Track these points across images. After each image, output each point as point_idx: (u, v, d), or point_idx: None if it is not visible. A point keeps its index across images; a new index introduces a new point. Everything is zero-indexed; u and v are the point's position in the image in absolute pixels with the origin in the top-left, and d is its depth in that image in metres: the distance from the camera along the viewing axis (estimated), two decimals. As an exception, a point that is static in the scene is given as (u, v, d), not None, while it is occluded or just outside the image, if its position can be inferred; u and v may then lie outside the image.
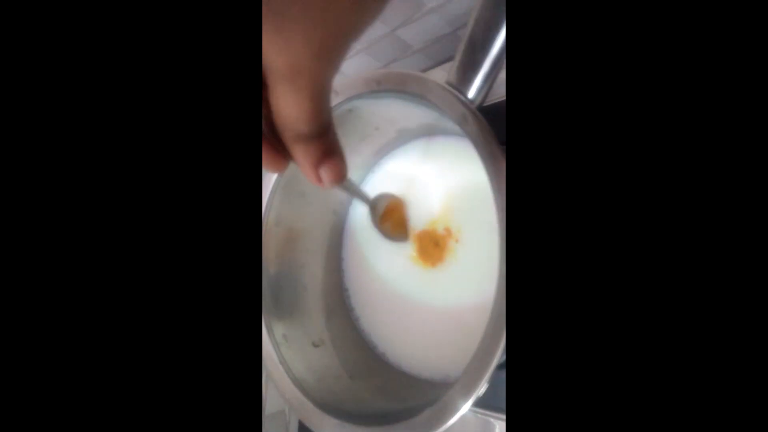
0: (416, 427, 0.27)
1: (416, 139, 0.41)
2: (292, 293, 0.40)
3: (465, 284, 0.36)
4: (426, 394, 0.35)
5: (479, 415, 0.30)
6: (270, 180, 0.38)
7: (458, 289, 0.37)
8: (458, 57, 0.28)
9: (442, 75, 0.29)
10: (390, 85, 0.31)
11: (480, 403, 0.26)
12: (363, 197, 0.35)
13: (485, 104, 0.29)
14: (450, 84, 0.28)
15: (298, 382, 0.34)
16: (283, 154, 0.21)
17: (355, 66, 0.51)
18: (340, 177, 0.22)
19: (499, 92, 0.37)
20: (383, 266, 0.41)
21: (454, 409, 0.26)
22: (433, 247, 0.38)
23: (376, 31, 0.47)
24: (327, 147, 0.20)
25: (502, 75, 0.28)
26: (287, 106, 0.18)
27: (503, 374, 0.25)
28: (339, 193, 0.43)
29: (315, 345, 0.39)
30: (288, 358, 0.35)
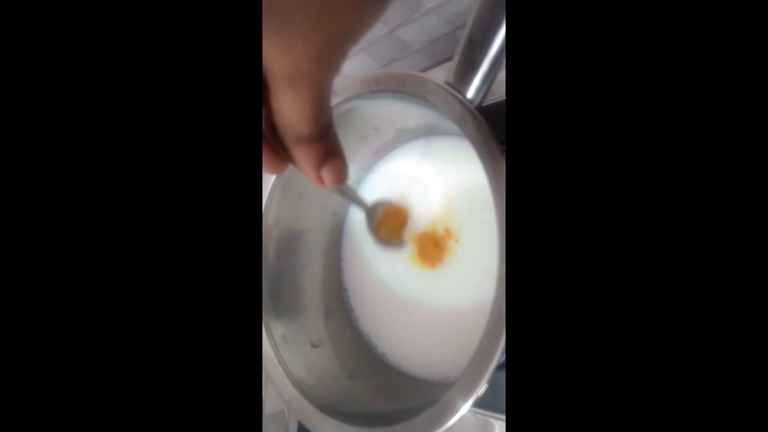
0: (416, 428, 0.27)
1: (415, 140, 0.41)
2: (291, 293, 0.40)
3: (464, 284, 0.36)
4: (425, 394, 0.35)
5: (479, 416, 0.30)
6: (269, 180, 0.38)
7: (458, 289, 0.37)
8: (457, 57, 0.28)
9: (441, 75, 0.29)
10: (389, 85, 0.31)
11: (479, 404, 0.26)
12: (360, 203, 0.35)
13: (484, 104, 0.28)
14: (449, 84, 0.28)
15: (297, 383, 0.34)
16: (283, 155, 0.21)
17: (354, 66, 0.51)
18: (341, 178, 0.22)
19: (498, 92, 0.37)
20: (383, 266, 0.41)
21: (453, 410, 0.26)
22: (433, 248, 0.38)
23: (375, 31, 0.46)
24: (328, 148, 0.20)
25: (501, 75, 0.28)
26: (288, 108, 0.18)
27: (503, 374, 0.25)
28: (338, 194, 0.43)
29: (314, 345, 0.39)
30: (287, 359, 0.35)
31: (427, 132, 0.40)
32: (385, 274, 0.41)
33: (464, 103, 0.28)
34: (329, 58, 0.17)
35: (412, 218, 0.40)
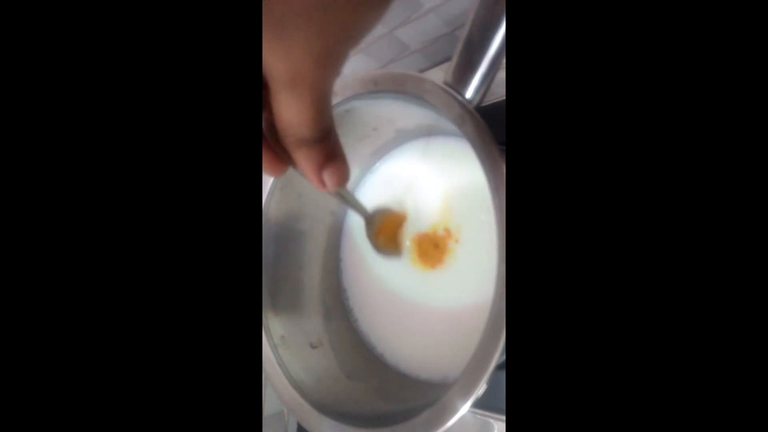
0: (415, 429, 0.27)
1: (415, 140, 0.41)
2: (290, 294, 0.40)
3: (464, 285, 0.36)
4: (425, 395, 0.35)
5: (478, 416, 0.30)
6: (268, 181, 0.38)
7: (457, 289, 0.37)
8: (456, 57, 0.28)
9: (440, 75, 0.29)
10: (387, 85, 0.31)
11: (479, 404, 0.26)
12: (360, 210, 0.35)
13: (483, 105, 0.28)
14: (447, 84, 0.28)
15: (296, 384, 0.34)
16: (283, 158, 0.21)
17: (352, 66, 0.51)
18: (343, 180, 0.22)
19: (497, 92, 0.37)
20: (382, 267, 0.41)
21: (453, 410, 0.26)
22: (433, 249, 0.38)
23: (373, 31, 0.46)
24: (329, 151, 0.20)
25: (500, 75, 0.28)
26: (289, 111, 0.18)
27: (502, 375, 0.25)
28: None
29: (313, 346, 0.39)
30: (286, 360, 0.35)
31: (427, 132, 0.40)
32: (384, 275, 0.41)
33: (463, 104, 0.28)
34: (329, 61, 0.17)
35: (410, 223, 0.40)
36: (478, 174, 0.27)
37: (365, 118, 0.36)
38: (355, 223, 0.44)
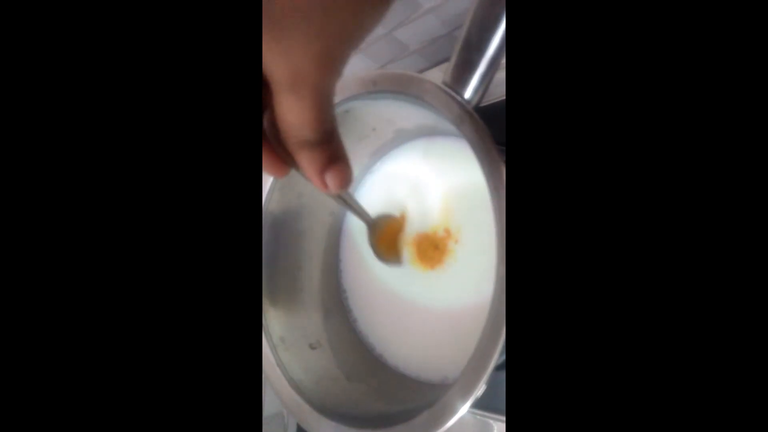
0: (415, 429, 0.27)
1: (414, 140, 0.41)
2: (290, 295, 0.40)
3: (463, 285, 0.36)
4: (424, 395, 0.35)
5: (477, 417, 0.30)
6: (267, 181, 0.37)
7: (456, 290, 0.37)
8: (454, 57, 0.28)
9: (439, 76, 0.29)
10: (386, 85, 0.31)
11: (478, 405, 0.26)
12: (362, 214, 0.34)
13: (482, 105, 0.28)
14: (446, 84, 0.28)
15: (295, 385, 0.34)
16: (286, 159, 0.21)
17: (351, 66, 0.51)
18: (345, 183, 0.22)
19: (496, 93, 0.37)
20: (381, 267, 0.41)
21: (452, 411, 0.26)
22: (433, 250, 0.38)
23: (373, 31, 0.46)
24: (331, 153, 0.20)
25: (499, 75, 0.28)
26: (290, 113, 0.18)
27: (502, 375, 0.25)
28: (336, 195, 0.43)
29: (312, 347, 0.39)
30: (285, 360, 0.35)
31: (426, 133, 0.40)
32: (383, 275, 0.41)
33: (462, 104, 0.28)
34: (329, 62, 0.17)
35: (410, 224, 0.40)
36: (478, 174, 0.27)
37: (364, 118, 0.36)
38: (355, 224, 0.44)
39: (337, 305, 0.43)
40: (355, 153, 0.40)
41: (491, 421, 0.31)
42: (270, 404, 0.48)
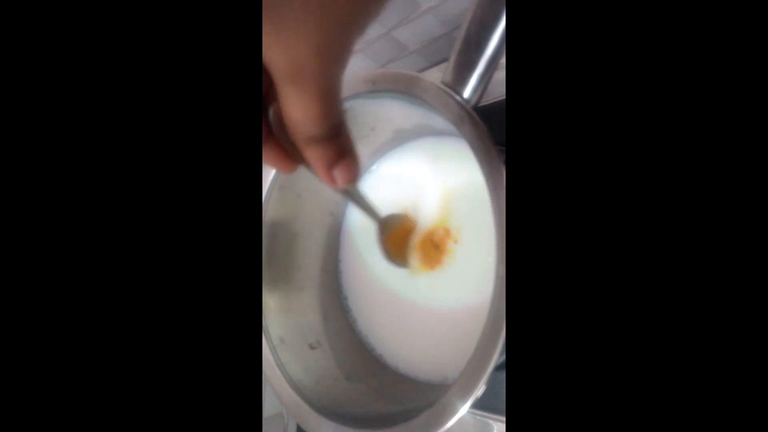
0: (414, 430, 0.27)
1: (413, 140, 0.41)
2: (289, 295, 0.40)
3: (463, 285, 0.36)
4: (424, 395, 0.35)
5: (477, 417, 0.30)
6: (266, 181, 0.37)
7: (456, 290, 0.37)
8: (453, 57, 0.28)
9: (438, 76, 0.29)
10: (385, 85, 0.31)
11: (478, 405, 0.26)
12: (372, 212, 0.33)
13: (480, 105, 0.28)
14: (445, 84, 0.28)
15: (295, 385, 0.34)
16: (293, 154, 0.20)
17: (350, 66, 0.51)
18: (353, 178, 0.21)
19: (495, 92, 0.37)
20: (381, 267, 0.41)
21: (452, 411, 0.26)
22: (434, 250, 0.38)
23: (372, 31, 0.46)
24: (339, 148, 0.20)
25: (497, 75, 0.28)
26: (295, 108, 0.18)
27: (501, 375, 0.25)
28: (336, 195, 0.43)
29: (312, 347, 0.39)
30: (285, 361, 0.35)
31: (425, 132, 0.40)
32: (383, 275, 0.41)
33: (461, 103, 0.28)
34: (331, 51, 0.17)
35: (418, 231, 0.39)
36: (477, 174, 0.27)
37: (363, 118, 0.36)
38: (355, 224, 0.44)
39: (336, 305, 0.43)
40: (355, 153, 0.40)
41: (491, 422, 0.31)
42: (270, 404, 0.48)
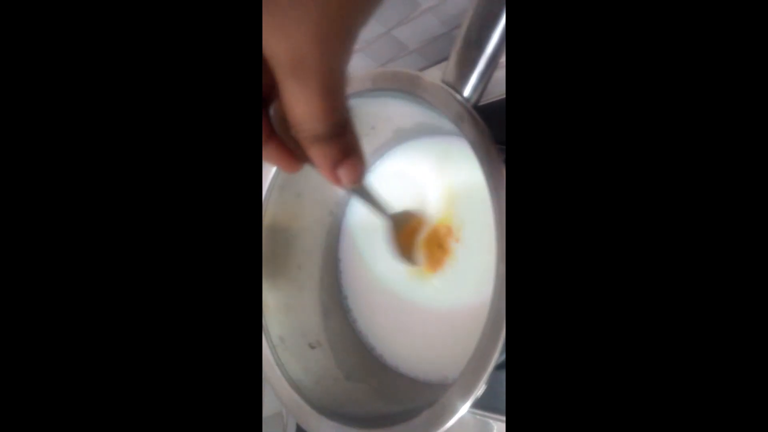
0: (415, 429, 0.27)
1: (413, 139, 0.41)
2: (289, 294, 0.40)
3: (463, 285, 0.36)
4: (424, 395, 0.35)
5: (477, 416, 0.30)
6: (266, 180, 0.37)
7: (456, 289, 0.37)
8: (453, 55, 0.28)
9: (438, 75, 0.29)
10: (385, 83, 0.31)
11: (478, 404, 0.26)
12: (381, 209, 0.32)
13: (480, 104, 0.28)
14: (446, 82, 0.28)
15: (294, 384, 0.34)
16: (297, 154, 0.20)
17: (350, 65, 0.51)
18: (359, 178, 0.21)
19: (495, 92, 0.37)
20: (381, 267, 0.41)
21: (452, 411, 0.26)
22: (438, 250, 0.38)
23: (371, 31, 0.46)
24: (345, 147, 0.19)
25: (497, 74, 0.28)
26: (297, 103, 0.17)
27: (501, 375, 0.25)
28: (336, 194, 0.43)
29: (312, 346, 0.39)
30: (285, 360, 0.35)
31: (425, 131, 0.39)
32: (383, 275, 0.41)
33: (461, 102, 0.27)
34: (331, 41, 0.16)
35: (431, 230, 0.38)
36: (477, 174, 0.27)
37: (363, 117, 0.36)
38: (355, 223, 0.44)
39: (336, 305, 0.43)
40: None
41: (491, 421, 0.31)
42: (269, 404, 0.48)
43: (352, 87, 0.32)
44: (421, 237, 0.38)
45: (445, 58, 0.28)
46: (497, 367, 0.25)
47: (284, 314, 0.38)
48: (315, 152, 0.19)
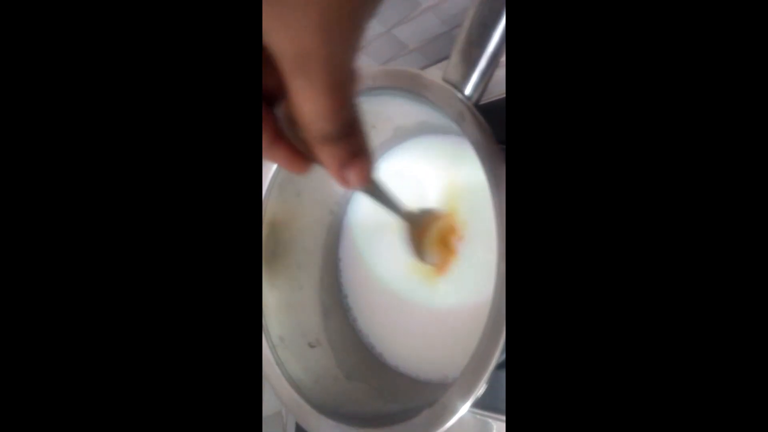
0: (414, 429, 0.27)
1: (413, 138, 0.41)
2: (289, 293, 0.40)
3: (464, 284, 0.36)
4: (424, 395, 0.35)
5: (477, 416, 0.30)
6: (266, 179, 0.37)
7: (457, 289, 0.37)
8: (455, 53, 0.28)
9: (438, 74, 0.29)
10: (385, 82, 0.30)
11: (478, 404, 0.26)
12: (396, 209, 0.31)
13: (481, 103, 0.28)
14: (447, 81, 0.28)
15: (294, 384, 0.34)
16: (305, 154, 0.20)
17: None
18: (367, 179, 0.20)
19: (495, 91, 0.37)
20: (381, 266, 0.41)
21: (452, 411, 0.26)
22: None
23: (372, 30, 0.46)
24: (353, 147, 0.19)
25: (498, 73, 0.28)
26: (304, 102, 0.16)
27: (502, 374, 0.25)
28: (336, 193, 0.43)
29: (312, 346, 0.38)
30: (284, 359, 0.35)
31: (426, 130, 0.39)
32: (383, 274, 0.41)
33: (463, 101, 0.27)
34: (337, 33, 0.15)
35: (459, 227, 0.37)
36: (477, 173, 0.27)
37: (363, 115, 0.36)
38: (355, 222, 0.44)
39: (336, 304, 0.43)
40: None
41: (491, 421, 0.31)
42: (269, 403, 0.48)
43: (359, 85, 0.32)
44: (434, 235, 0.37)
45: (445, 58, 0.28)
46: (498, 367, 0.25)
47: (284, 313, 0.38)
48: (322, 152, 0.19)
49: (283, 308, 0.38)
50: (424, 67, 0.52)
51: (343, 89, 0.17)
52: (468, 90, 0.28)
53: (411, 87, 0.29)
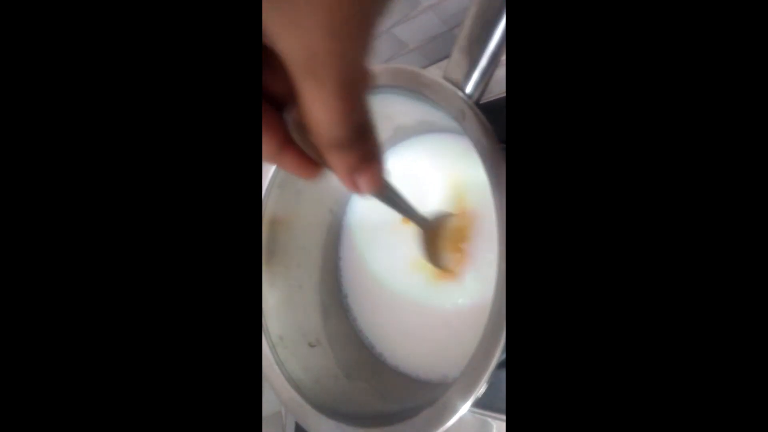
0: (415, 428, 0.27)
1: (413, 137, 0.41)
2: (289, 292, 0.40)
3: (464, 284, 0.36)
4: (424, 394, 0.35)
5: (477, 415, 0.30)
6: (266, 178, 0.37)
7: (457, 288, 0.37)
8: (455, 52, 0.28)
9: (438, 73, 0.29)
10: (386, 80, 0.30)
11: (478, 404, 0.26)
12: (414, 216, 0.30)
13: (481, 102, 0.28)
14: (447, 79, 0.28)
15: (294, 383, 0.33)
16: (316, 159, 0.19)
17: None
18: (378, 185, 0.20)
19: (495, 90, 0.37)
20: (381, 265, 0.41)
21: (452, 410, 0.26)
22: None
23: (372, 29, 0.46)
24: (364, 153, 0.18)
25: (499, 72, 0.28)
26: (314, 105, 0.16)
27: (502, 374, 0.25)
28: (336, 192, 0.43)
29: (311, 345, 0.38)
30: (284, 359, 0.35)
31: (426, 129, 0.39)
32: (383, 273, 0.41)
33: (464, 99, 0.27)
34: (347, 32, 0.14)
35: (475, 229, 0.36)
36: (477, 172, 0.26)
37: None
38: (355, 222, 0.44)
39: (336, 304, 0.43)
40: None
41: (491, 420, 0.31)
42: (268, 403, 0.48)
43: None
44: (448, 239, 0.37)
45: (445, 57, 0.28)
46: (498, 366, 0.25)
47: (284, 313, 0.38)
48: (332, 158, 0.18)
49: (283, 308, 0.38)
50: (424, 67, 0.52)
51: (354, 91, 0.16)
52: (469, 88, 0.28)
53: (412, 85, 0.29)
